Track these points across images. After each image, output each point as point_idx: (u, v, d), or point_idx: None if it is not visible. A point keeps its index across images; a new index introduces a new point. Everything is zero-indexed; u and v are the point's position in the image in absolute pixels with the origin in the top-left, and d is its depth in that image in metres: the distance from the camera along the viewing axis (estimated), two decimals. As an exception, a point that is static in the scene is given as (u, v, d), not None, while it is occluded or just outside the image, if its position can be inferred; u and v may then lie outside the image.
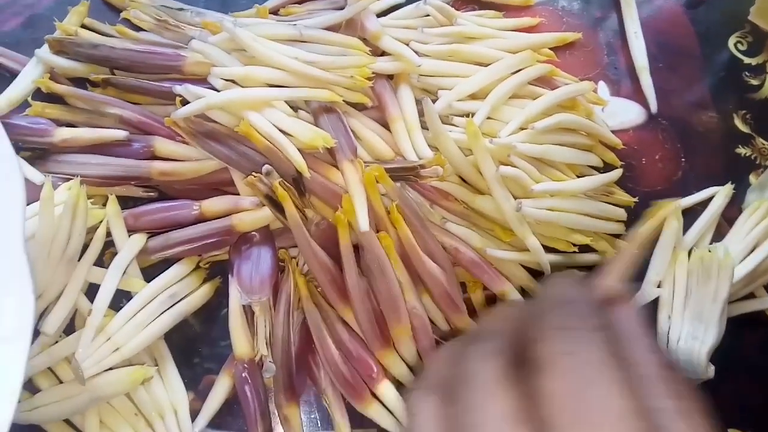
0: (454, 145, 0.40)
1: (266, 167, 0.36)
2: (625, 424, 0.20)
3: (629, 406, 0.20)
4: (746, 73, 0.52)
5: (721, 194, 0.46)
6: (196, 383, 0.39)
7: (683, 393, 0.22)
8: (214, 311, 0.40)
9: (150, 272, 0.39)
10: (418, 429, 0.23)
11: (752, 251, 0.43)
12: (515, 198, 0.40)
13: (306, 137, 0.37)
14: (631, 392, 0.21)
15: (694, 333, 0.41)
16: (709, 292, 0.41)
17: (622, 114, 0.49)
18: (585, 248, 0.43)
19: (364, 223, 0.35)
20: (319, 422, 0.39)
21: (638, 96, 0.50)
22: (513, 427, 0.21)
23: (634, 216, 0.45)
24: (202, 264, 0.40)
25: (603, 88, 0.50)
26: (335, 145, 0.37)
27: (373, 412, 0.38)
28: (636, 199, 0.45)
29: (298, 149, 0.37)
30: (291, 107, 0.40)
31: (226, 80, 0.39)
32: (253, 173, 0.36)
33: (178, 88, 0.39)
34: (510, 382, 0.22)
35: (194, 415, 0.38)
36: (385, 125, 0.42)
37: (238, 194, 0.39)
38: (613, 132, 0.47)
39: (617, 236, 0.45)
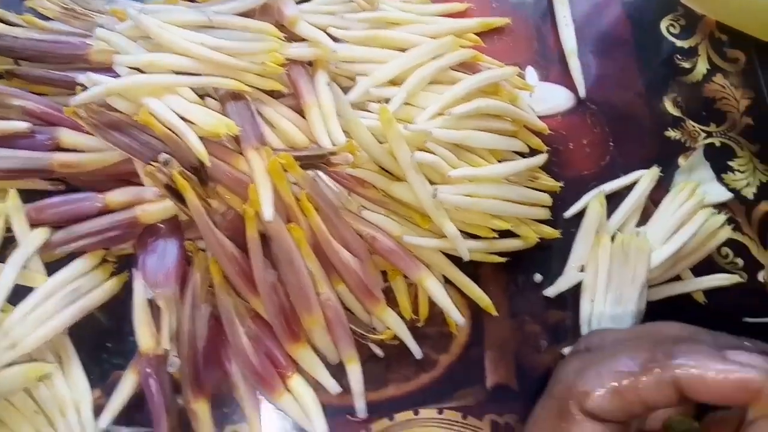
0: (367, 132, 0.39)
1: (163, 155, 0.35)
2: None
3: None
4: (678, 56, 0.52)
5: (646, 177, 0.45)
6: (104, 379, 0.38)
7: None
8: (122, 306, 0.39)
9: (57, 267, 0.38)
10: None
11: (676, 232, 0.43)
12: (433, 184, 0.39)
13: (208, 124, 0.36)
14: None
15: (614, 316, 0.40)
16: (628, 276, 0.40)
17: (551, 99, 0.49)
18: (507, 234, 0.42)
19: (268, 212, 0.34)
20: (230, 416, 0.38)
21: (567, 81, 0.49)
22: None
23: (560, 201, 0.45)
24: (110, 258, 0.39)
25: (531, 73, 0.49)
26: (240, 133, 0.36)
27: (285, 404, 0.37)
28: (561, 184, 0.45)
29: (202, 137, 0.36)
30: (199, 95, 0.39)
31: (131, 68, 0.38)
32: (152, 162, 0.35)
33: (81, 77, 0.38)
34: None
35: (101, 411, 0.37)
36: (302, 113, 0.41)
37: (143, 185, 0.38)
38: (542, 117, 0.46)
39: (543, 222, 0.44)
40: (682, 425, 0.23)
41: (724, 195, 0.47)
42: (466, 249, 0.40)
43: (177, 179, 0.35)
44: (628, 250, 0.40)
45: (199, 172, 0.36)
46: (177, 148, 0.36)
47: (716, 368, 0.20)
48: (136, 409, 0.37)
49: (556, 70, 0.50)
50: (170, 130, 0.36)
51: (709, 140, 0.49)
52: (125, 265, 0.39)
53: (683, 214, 0.43)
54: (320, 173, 0.39)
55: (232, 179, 0.37)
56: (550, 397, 0.21)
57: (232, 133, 0.36)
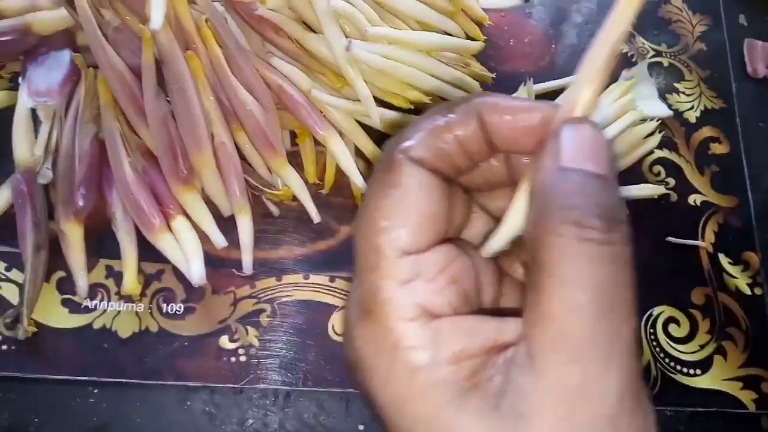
0: (285, -27, 0.37)
1: (53, -50, 0.33)
2: None
3: None
4: (638, -27, 0.50)
5: (582, 78, 0.44)
6: (-20, 194, 0.36)
7: None
8: (8, 125, 0.37)
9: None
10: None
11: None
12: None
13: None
14: None
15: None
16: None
17: (499, -7, 0.47)
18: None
19: (157, 18, 0.32)
20: (105, 249, 0.36)
21: (518, -21, 0.48)
22: None
23: (491, 94, 0.43)
24: (4, 74, 0.37)
25: (481, -35, 0.48)
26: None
27: (164, 244, 0.36)
28: (494, 76, 0.43)
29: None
30: None
31: None
32: (44, -40, 0.34)
33: None
34: None
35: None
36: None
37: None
38: (485, 10, 0.45)
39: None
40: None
41: (664, 111, 0.45)
42: (378, 114, 0.38)
43: (66, -22, 0.33)
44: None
45: (92, -22, 0.34)
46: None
47: (511, 100, 0.20)
48: (8, 228, 0.36)
49: (508, -33, 0.48)
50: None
51: (658, 59, 0.48)
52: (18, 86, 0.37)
53: (612, 113, 0.41)
54: (229, 15, 0.37)
55: (131, -5, 0.35)
56: (376, 167, 0.20)
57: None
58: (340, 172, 0.40)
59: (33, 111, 0.35)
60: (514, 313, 0.18)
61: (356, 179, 0.38)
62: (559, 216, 0.17)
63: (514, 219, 0.20)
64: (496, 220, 0.23)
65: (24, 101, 0.35)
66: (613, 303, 0.16)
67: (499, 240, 0.20)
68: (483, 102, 0.20)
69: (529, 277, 0.18)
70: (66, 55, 0.35)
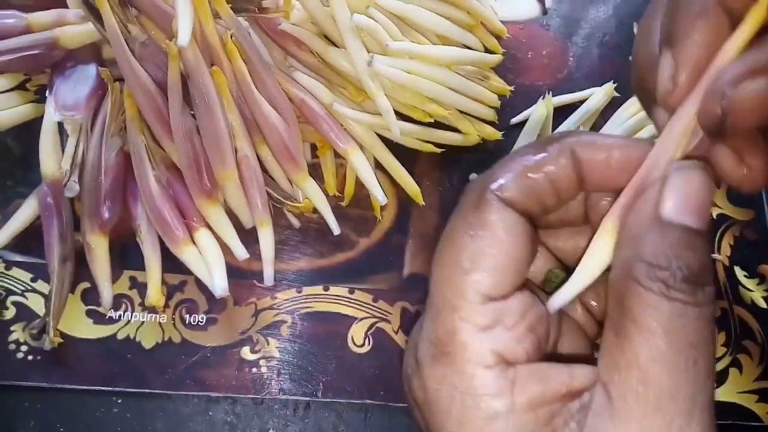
0: (308, -13, 0.38)
1: (81, -34, 0.34)
2: None
3: None
4: (655, -14, 0.50)
5: (600, 92, 0.44)
6: (6, 206, 0.37)
7: None
8: (35, 138, 0.37)
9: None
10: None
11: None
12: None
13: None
14: None
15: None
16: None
17: (516, 6, 0.47)
18: (448, 128, 0.41)
19: (183, 35, 0.33)
20: (130, 261, 0.37)
21: (536, -9, 0.48)
22: None
23: (509, 107, 0.44)
24: (31, 87, 0.38)
25: (499, -23, 0.48)
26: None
27: (188, 256, 0.36)
28: (512, 88, 0.43)
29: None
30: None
31: None
32: (71, -26, 0.34)
33: None
34: None
35: (-2, 236, 0.35)
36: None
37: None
38: (504, 22, 0.45)
39: (487, 123, 0.43)
40: (559, 277, 0.22)
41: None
42: (398, 127, 0.39)
43: (94, -8, 0.33)
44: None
45: (119, -8, 0.35)
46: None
47: (606, 137, 0.20)
48: (34, 240, 0.36)
49: (526, -21, 0.48)
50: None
51: (675, 72, 0.48)
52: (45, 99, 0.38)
53: (629, 128, 0.41)
54: (253, 30, 0.38)
55: (157, 10, 0.35)
56: (462, 204, 0.21)
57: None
58: (359, 185, 0.40)
59: (60, 124, 0.35)
60: (577, 359, 0.18)
61: (376, 192, 0.38)
62: (647, 271, 0.17)
63: (589, 270, 0.20)
64: (555, 257, 0.23)
65: (51, 115, 0.35)
66: (698, 357, 0.17)
67: (570, 293, 0.20)
68: (578, 140, 0.20)
69: (612, 319, 0.18)
70: (92, 68, 0.36)
